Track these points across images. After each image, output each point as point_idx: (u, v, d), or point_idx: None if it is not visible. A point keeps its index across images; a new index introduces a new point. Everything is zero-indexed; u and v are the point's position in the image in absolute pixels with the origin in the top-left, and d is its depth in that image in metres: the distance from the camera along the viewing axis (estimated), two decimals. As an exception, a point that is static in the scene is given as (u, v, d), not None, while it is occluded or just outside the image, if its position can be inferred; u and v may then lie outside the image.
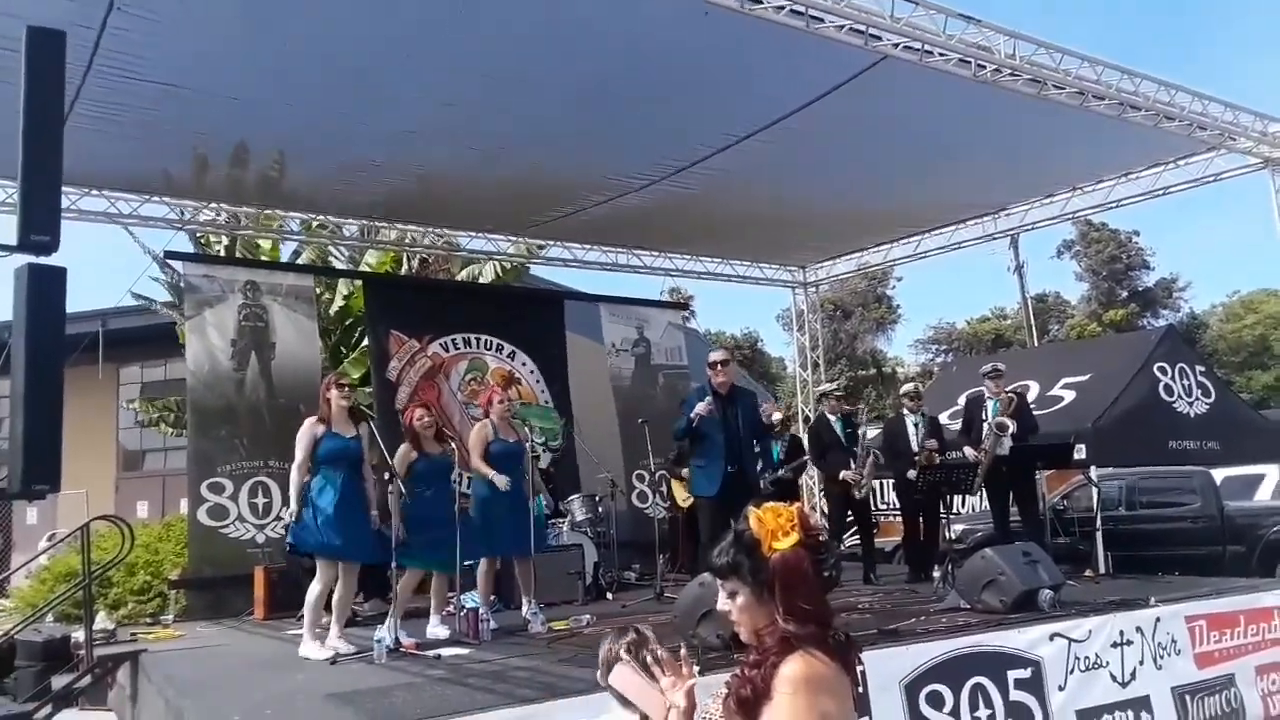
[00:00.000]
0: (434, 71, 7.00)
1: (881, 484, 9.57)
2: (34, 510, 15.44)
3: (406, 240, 11.23)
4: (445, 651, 5.87)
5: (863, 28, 6.38)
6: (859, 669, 2.17)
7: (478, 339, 10.79)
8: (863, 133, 8.37)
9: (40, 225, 3.12)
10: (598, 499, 9.56)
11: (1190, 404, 9.75)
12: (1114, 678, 6.05)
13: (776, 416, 9.84)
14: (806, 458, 9.84)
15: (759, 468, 8.52)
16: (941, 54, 6.77)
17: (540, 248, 11.67)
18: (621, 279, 12.35)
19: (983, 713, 5.36)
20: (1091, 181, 10.25)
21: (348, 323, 13.18)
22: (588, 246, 11.60)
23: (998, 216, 11.26)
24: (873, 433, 9.32)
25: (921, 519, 8.88)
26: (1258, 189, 9.18)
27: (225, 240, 12.13)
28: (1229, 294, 39.80)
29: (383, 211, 10.22)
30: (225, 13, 6.07)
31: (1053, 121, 7.97)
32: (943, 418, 9.48)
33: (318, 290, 11.26)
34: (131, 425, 17.12)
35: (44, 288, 3.12)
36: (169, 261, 10.59)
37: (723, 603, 2.16)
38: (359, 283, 12.12)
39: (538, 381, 11.05)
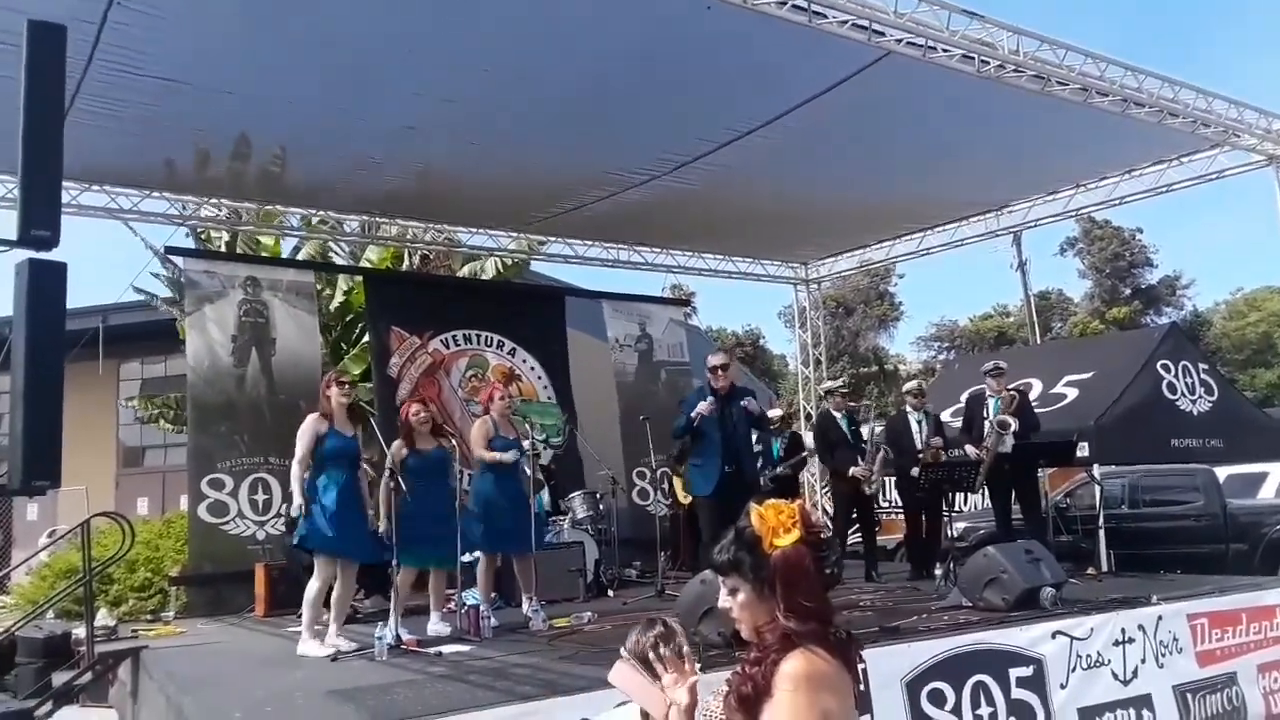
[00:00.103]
0: (434, 68, 6.99)
1: (884, 481, 9.57)
2: (34, 506, 15.45)
3: (408, 236, 11.22)
4: (446, 648, 5.86)
5: (865, 23, 6.37)
6: (860, 666, 2.16)
7: (478, 335, 10.79)
8: (865, 129, 8.35)
9: (40, 220, 3.11)
10: (599, 496, 9.56)
11: (1193, 402, 9.74)
12: (1116, 676, 6.05)
13: (776, 413, 9.85)
14: (805, 454, 9.84)
15: (759, 465, 8.54)
16: (945, 50, 6.75)
17: (541, 244, 11.65)
18: (623, 275, 12.38)
19: (984, 711, 5.36)
20: (1095, 178, 10.23)
21: (348, 319, 13.17)
22: (589, 243, 11.59)
23: (1000, 213, 11.24)
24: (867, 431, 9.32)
25: (924, 517, 8.88)
26: (1261, 186, 9.16)
27: (226, 236, 12.12)
28: (1232, 291, 39.84)
29: (383, 207, 10.21)
30: (225, 8, 6.06)
31: (1056, 118, 7.95)
32: (945, 415, 9.48)
33: (318, 287, 11.25)
34: (131, 421, 17.11)
35: (44, 283, 3.11)
36: (169, 257, 10.56)
37: (724, 600, 2.16)
38: (359, 279, 12.12)
39: (539, 378, 11.05)
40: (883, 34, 6.52)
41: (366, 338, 11.53)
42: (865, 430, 9.18)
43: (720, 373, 7.40)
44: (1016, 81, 7.19)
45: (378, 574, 6.92)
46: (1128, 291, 38.07)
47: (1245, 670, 6.81)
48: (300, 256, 12.65)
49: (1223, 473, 10.39)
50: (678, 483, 10.08)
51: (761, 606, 2.06)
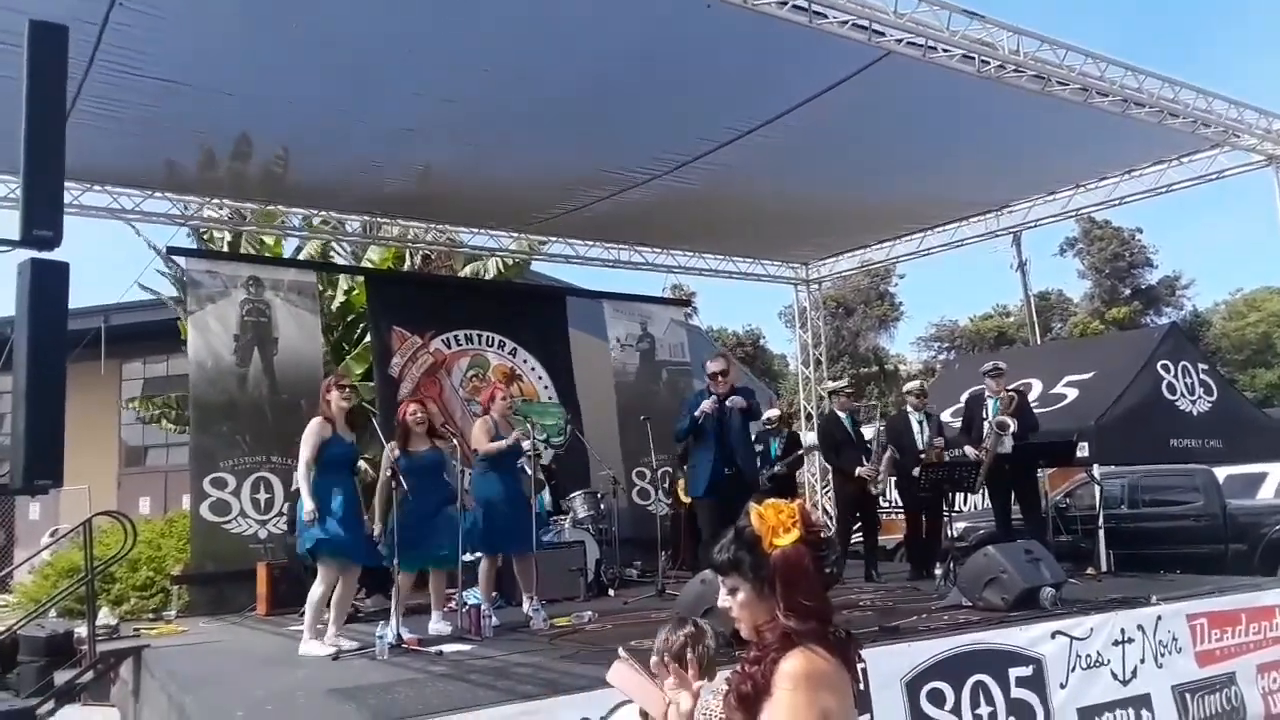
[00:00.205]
0: (434, 68, 7.00)
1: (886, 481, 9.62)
2: (36, 506, 15.48)
3: (409, 237, 11.23)
4: (447, 648, 5.87)
5: (866, 23, 6.36)
6: (860, 666, 2.18)
7: (480, 335, 10.80)
8: (865, 129, 8.36)
9: (43, 220, 3.11)
10: (600, 495, 9.57)
11: (1193, 402, 9.74)
12: (1115, 676, 6.05)
13: (773, 413, 9.86)
14: (801, 452, 9.87)
15: (758, 465, 8.55)
16: (945, 50, 6.75)
17: (542, 244, 11.66)
18: (623, 275, 12.38)
19: (984, 710, 5.36)
20: (1094, 179, 10.23)
21: (349, 319, 13.18)
22: (590, 243, 11.60)
23: (1000, 214, 11.24)
24: (871, 430, 9.34)
25: (924, 516, 8.89)
26: (1261, 186, 9.15)
27: (228, 236, 12.13)
28: (1232, 292, 39.87)
29: (384, 207, 10.22)
30: (226, 9, 6.07)
31: (1056, 118, 7.95)
32: (945, 416, 9.49)
33: (319, 287, 11.27)
34: (133, 421, 17.13)
35: (46, 283, 3.11)
36: (172, 257, 10.58)
37: (723, 599, 2.16)
38: (360, 279, 12.13)
39: (540, 378, 11.06)
40: (883, 34, 6.52)
41: (368, 338, 11.54)
42: (867, 430, 9.21)
43: (720, 379, 7.41)
44: (1017, 82, 7.19)
45: (379, 574, 6.93)
46: (1127, 292, 38.09)
47: (1244, 670, 6.82)
48: (302, 257, 12.66)
49: (1222, 473, 10.40)
50: (680, 482, 10.08)
51: (761, 606, 2.07)
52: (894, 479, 9.06)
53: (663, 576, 8.36)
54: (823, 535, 2.12)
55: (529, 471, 7.15)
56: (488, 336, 10.86)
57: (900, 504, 9.71)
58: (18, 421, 3.07)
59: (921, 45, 6.69)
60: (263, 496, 8.87)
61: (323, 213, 10.46)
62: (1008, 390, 8.46)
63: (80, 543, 7.39)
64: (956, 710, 5.26)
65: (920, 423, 8.92)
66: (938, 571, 7.95)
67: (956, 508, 9.54)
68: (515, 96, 7.45)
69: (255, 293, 9.41)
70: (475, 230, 11.20)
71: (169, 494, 16.21)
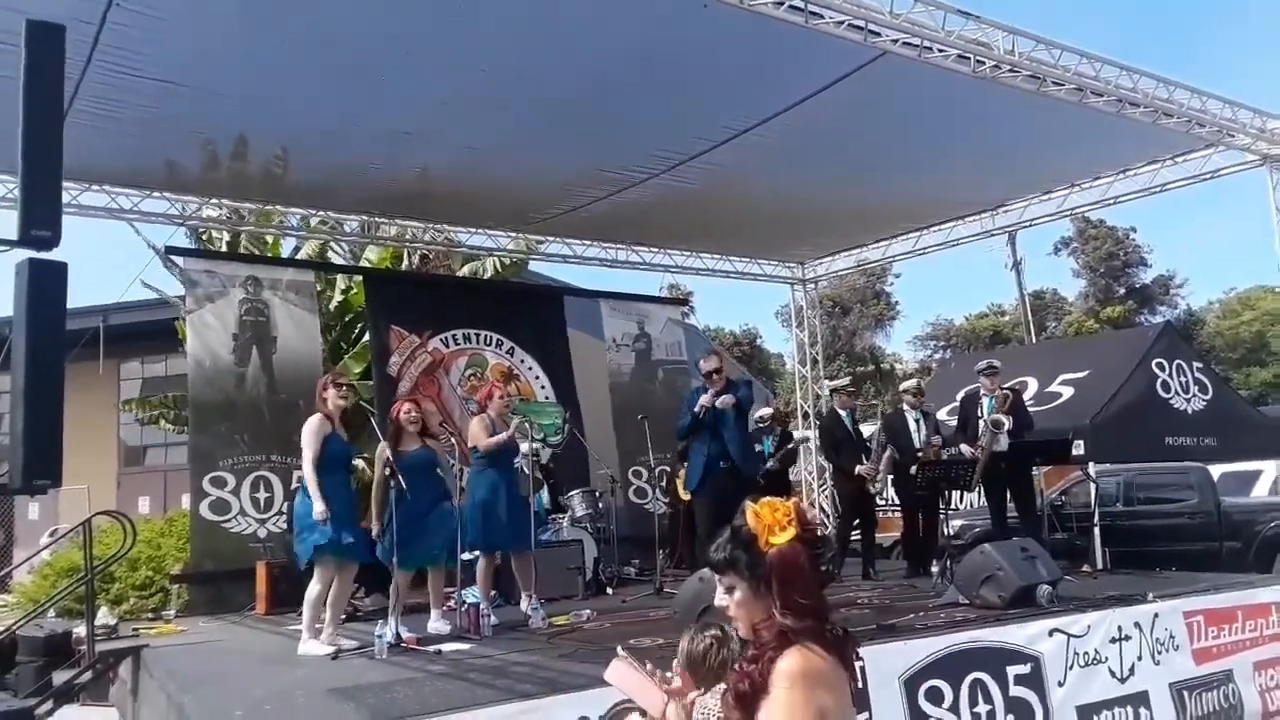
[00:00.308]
0: (433, 69, 7.00)
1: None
2: (36, 506, 15.47)
3: (406, 236, 11.24)
4: (446, 647, 5.88)
5: (861, 23, 6.37)
6: (858, 664, 2.19)
7: (478, 334, 10.81)
8: (862, 128, 8.37)
9: (41, 220, 3.12)
10: (598, 494, 9.58)
11: (1187, 400, 9.76)
12: (1113, 673, 6.07)
13: (765, 412, 9.87)
14: (792, 445, 9.88)
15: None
16: (940, 50, 6.76)
17: (539, 243, 11.66)
18: (621, 275, 12.38)
19: (983, 708, 5.38)
20: (1089, 178, 10.25)
21: (347, 319, 13.18)
22: (587, 242, 11.60)
23: (996, 213, 11.25)
24: (868, 429, 9.36)
25: (920, 514, 8.91)
26: (1255, 186, 9.18)
27: (227, 236, 12.13)
28: (1226, 290, 39.99)
29: (382, 207, 10.22)
30: (225, 9, 6.07)
31: (1051, 118, 7.97)
32: (941, 414, 9.51)
33: (318, 286, 11.26)
34: (132, 421, 17.13)
35: (45, 283, 3.11)
36: (170, 257, 10.57)
37: (720, 598, 2.17)
38: (358, 278, 12.13)
39: (536, 378, 11.06)
40: (879, 34, 6.53)
41: (366, 337, 11.53)
42: (866, 429, 9.23)
43: (715, 376, 7.42)
44: (1012, 82, 7.20)
45: (377, 572, 6.94)
46: (1122, 291, 38.17)
47: (1241, 667, 6.84)
48: (300, 256, 12.66)
49: (1217, 471, 10.44)
50: (679, 480, 10.07)
51: (758, 604, 2.08)
52: (891, 477, 9.08)
53: (660, 575, 8.37)
54: (819, 533, 2.13)
55: (526, 470, 7.16)
56: (486, 335, 10.86)
57: (897, 502, 9.73)
58: (16, 421, 3.08)
59: (917, 45, 6.70)
60: (262, 495, 8.87)
61: (321, 212, 10.46)
62: (1003, 389, 8.48)
63: (79, 542, 7.39)
64: (955, 708, 5.28)
65: (917, 421, 8.94)
66: (934, 569, 7.96)
67: (953, 506, 9.56)
68: (513, 96, 7.46)
69: (253, 292, 9.41)
70: (473, 230, 11.20)
71: (168, 493, 16.21)
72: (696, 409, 7.31)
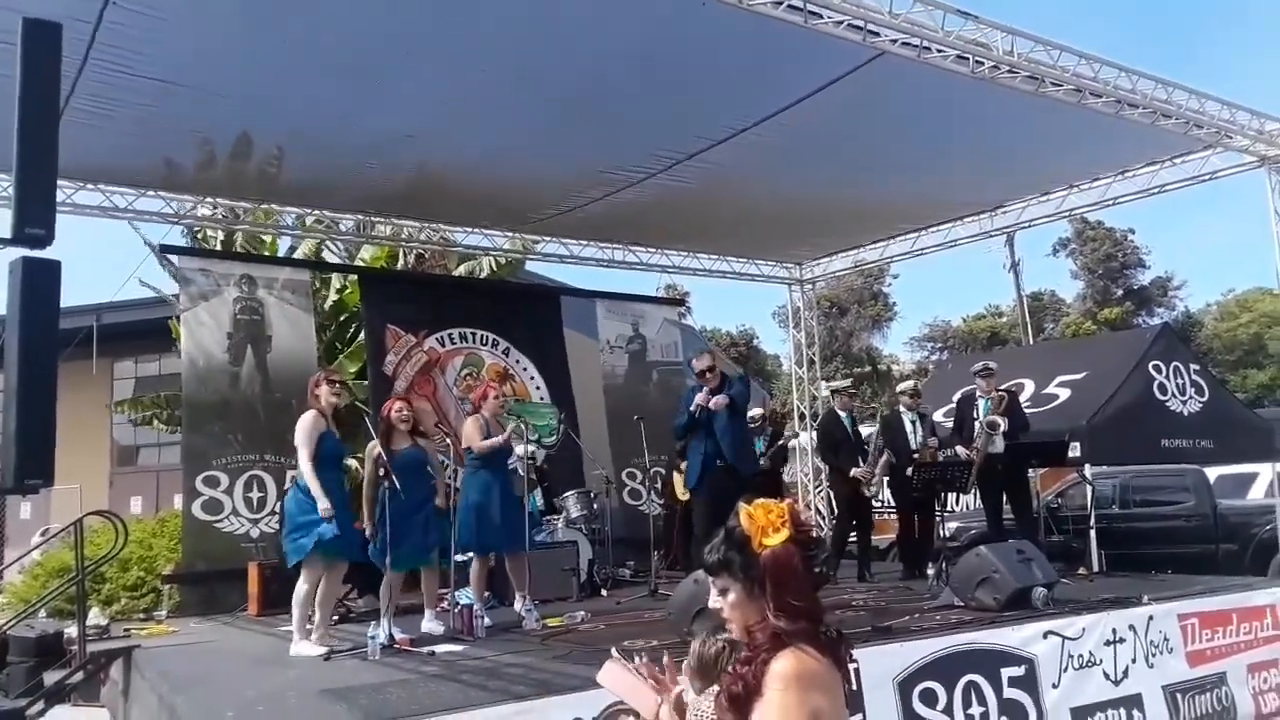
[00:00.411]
0: (431, 69, 6.98)
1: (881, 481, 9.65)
2: (27, 505, 15.44)
3: (402, 236, 11.22)
4: (439, 648, 5.87)
5: (860, 23, 6.36)
6: (852, 666, 2.17)
7: (474, 334, 10.80)
8: (859, 129, 8.36)
9: (35, 219, 3.11)
10: (593, 495, 9.56)
11: (1184, 403, 9.76)
12: (1107, 676, 6.07)
13: (756, 412, 9.85)
14: (783, 441, 9.87)
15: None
16: (939, 51, 6.76)
17: (536, 243, 11.65)
18: (618, 275, 12.35)
19: (976, 710, 5.38)
20: (1088, 179, 10.25)
21: (342, 318, 13.17)
22: (584, 242, 11.59)
23: (994, 214, 11.25)
24: (866, 430, 9.36)
25: (916, 516, 8.91)
26: (1254, 187, 9.17)
27: (221, 235, 12.11)
28: (1224, 292, 40.07)
29: (378, 206, 10.20)
30: (223, 9, 6.05)
31: (1049, 119, 7.97)
32: (937, 416, 9.51)
33: (313, 285, 11.24)
34: (125, 421, 17.11)
35: (38, 281, 3.11)
36: (165, 255, 10.55)
37: (714, 600, 2.16)
38: (353, 278, 12.11)
39: (531, 379, 11.05)
40: (877, 34, 6.52)
41: (361, 336, 11.52)
42: (865, 430, 9.23)
43: (708, 375, 7.40)
44: (1011, 82, 7.19)
45: (370, 573, 6.92)
46: (1120, 292, 38.22)
47: (1235, 670, 6.84)
48: (295, 255, 12.64)
49: (1213, 473, 10.44)
50: (678, 480, 10.03)
51: (752, 606, 2.07)
52: (887, 479, 9.08)
53: (655, 576, 8.36)
54: (813, 535, 2.12)
55: (521, 471, 7.14)
56: (482, 335, 10.85)
57: (893, 504, 9.73)
58: (9, 420, 3.07)
59: (916, 46, 6.69)
60: (255, 495, 8.85)
61: (316, 211, 10.44)
62: (999, 390, 8.48)
63: (71, 542, 7.36)
64: (949, 710, 5.27)
65: (914, 423, 8.94)
66: (930, 571, 7.96)
67: (949, 508, 9.56)
68: (512, 96, 7.44)
69: (248, 291, 9.40)
70: (469, 229, 11.19)
71: (161, 494, 16.20)
72: (691, 409, 7.29)
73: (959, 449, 8.49)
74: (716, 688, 2.16)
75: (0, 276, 3.15)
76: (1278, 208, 8.94)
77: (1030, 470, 9.32)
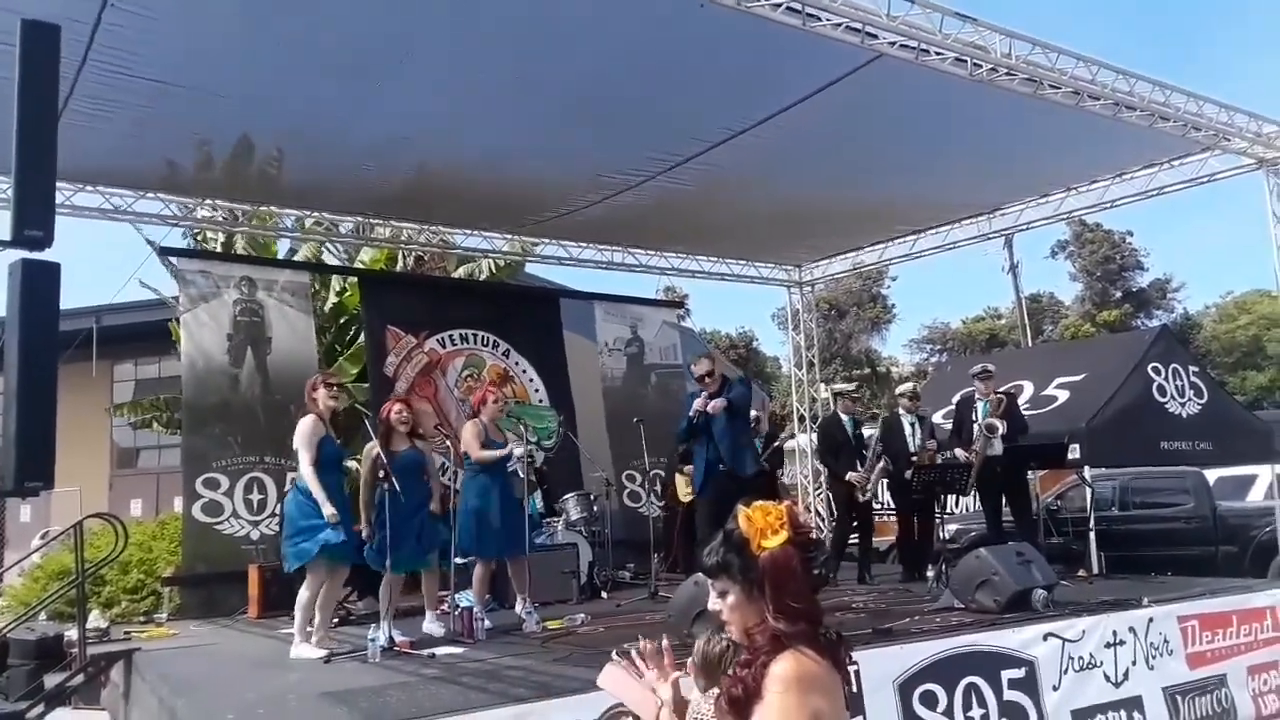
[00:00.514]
0: (430, 70, 6.99)
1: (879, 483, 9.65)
2: (27, 508, 15.42)
3: (401, 238, 11.22)
4: (439, 650, 5.87)
5: (859, 26, 6.36)
6: (852, 668, 2.17)
7: (474, 335, 10.80)
8: (858, 131, 8.37)
9: (34, 220, 3.11)
10: (593, 498, 9.56)
11: (1183, 405, 9.75)
12: (1107, 678, 6.07)
13: (753, 414, 9.85)
14: (778, 444, 9.87)
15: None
16: (938, 53, 6.76)
17: (535, 245, 11.65)
18: (616, 277, 12.36)
19: (976, 713, 5.38)
20: (1086, 182, 10.25)
21: (342, 320, 13.16)
22: (583, 245, 11.58)
23: (993, 216, 11.25)
24: (866, 432, 9.35)
25: (916, 518, 8.91)
26: (1252, 189, 9.17)
27: (221, 237, 12.10)
28: (1223, 295, 40.08)
29: (378, 209, 10.20)
30: (221, 10, 6.06)
31: (1048, 121, 7.97)
32: (937, 418, 9.51)
33: (313, 287, 11.24)
34: (124, 423, 17.10)
35: (38, 284, 3.11)
36: (166, 257, 10.55)
37: (713, 602, 2.16)
38: (353, 280, 12.11)
39: (530, 381, 11.05)
40: (876, 36, 6.52)
41: (361, 338, 11.51)
42: (865, 432, 9.23)
43: (707, 379, 7.41)
44: (1009, 85, 7.19)
45: (370, 576, 6.92)
46: (1118, 294, 38.24)
47: (1235, 672, 6.84)
48: (295, 257, 12.63)
49: (1212, 475, 10.44)
50: (680, 482, 10.02)
51: (751, 608, 2.07)
52: (886, 481, 9.07)
53: (655, 579, 8.35)
54: (812, 537, 2.12)
55: (521, 474, 7.13)
56: (483, 336, 10.85)
57: (892, 506, 9.72)
58: (9, 423, 3.07)
59: (914, 48, 6.70)
60: (255, 497, 8.84)
61: (315, 214, 10.44)
62: (997, 392, 8.48)
63: (71, 545, 7.36)
64: (949, 712, 5.27)
65: (913, 425, 8.95)
66: (930, 574, 7.96)
67: (948, 510, 9.57)
68: (510, 99, 7.45)
69: (248, 293, 9.40)
70: (468, 231, 11.19)
71: (161, 496, 16.18)
72: (691, 414, 7.29)
73: (958, 451, 8.49)
74: (717, 690, 2.16)
75: (0, 278, 3.15)
76: (1276, 210, 8.94)
77: (1030, 472, 9.32)
